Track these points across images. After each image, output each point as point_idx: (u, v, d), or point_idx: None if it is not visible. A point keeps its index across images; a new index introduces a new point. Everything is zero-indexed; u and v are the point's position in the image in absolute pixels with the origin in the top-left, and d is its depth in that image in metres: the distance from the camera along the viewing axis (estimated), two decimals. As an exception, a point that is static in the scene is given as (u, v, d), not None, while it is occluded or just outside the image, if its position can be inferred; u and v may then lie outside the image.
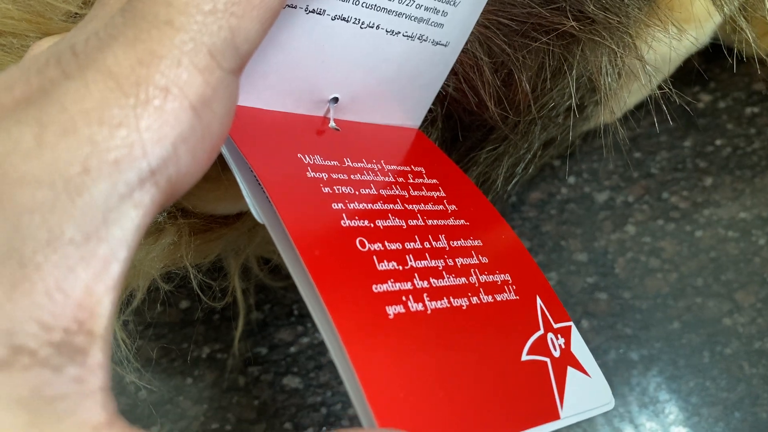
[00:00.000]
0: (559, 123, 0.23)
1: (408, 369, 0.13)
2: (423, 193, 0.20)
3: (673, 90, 0.26)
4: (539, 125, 0.23)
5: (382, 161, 0.21)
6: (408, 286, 0.15)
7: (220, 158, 0.19)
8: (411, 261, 0.16)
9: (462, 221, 0.19)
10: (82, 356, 0.11)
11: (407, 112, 0.23)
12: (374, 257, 0.16)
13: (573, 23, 0.20)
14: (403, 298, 0.15)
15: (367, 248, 0.16)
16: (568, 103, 0.23)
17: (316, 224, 0.16)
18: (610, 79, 0.21)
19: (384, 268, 0.16)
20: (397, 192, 0.19)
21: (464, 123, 0.24)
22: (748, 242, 0.34)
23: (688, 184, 0.36)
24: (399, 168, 0.21)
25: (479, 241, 0.18)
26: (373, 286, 0.15)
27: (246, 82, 0.19)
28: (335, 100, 0.21)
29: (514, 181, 0.26)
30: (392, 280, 0.15)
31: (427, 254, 0.17)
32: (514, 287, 0.17)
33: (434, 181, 0.21)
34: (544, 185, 0.36)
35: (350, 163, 0.20)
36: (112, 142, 0.12)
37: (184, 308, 0.34)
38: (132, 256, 0.12)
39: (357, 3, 0.20)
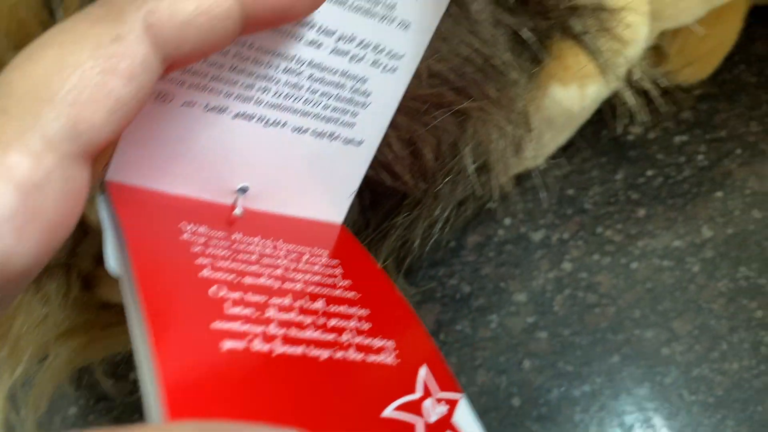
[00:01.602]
0: (471, 182, 0.24)
1: (226, 395, 0.14)
2: (316, 267, 0.21)
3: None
4: (448, 188, 0.24)
5: (280, 241, 0.21)
6: (258, 330, 0.16)
7: None
8: (272, 312, 0.17)
9: (353, 293, 0.20)
10: None
11: (325, 206, 0.24)
12: (226, 303, 0.17)
13: (465, 101, 0.21)
14: (248, 338, 0.16)
15: (221, 295, 0.17)
16: (476, 164, 0.24)
17: (169, 271, 0.17)
18: (502, 146, 0.22)
19: (234, 312, 0.16)
20: (282, 263, 0.20)
21: (379, 190, 0.25)
22: (682, 270, 0.35)
23: (621, 216, 0.37)
24: (295, 247, 0.21)
25: (367, 310, 0.19)
26: (213, 323, 0.15)
27: (150, 165, 0.20)
28: (244, 189, 0.22)
29: (432, 240, 0.27)
30: (241, 322, 0.16)
31: (295, 310, 0.18)
32: (396, 352, 0.18)
33: (336, 261, 0.21)
34: (481, 228, 0.36)
35: (240, 239, 0.20)
36: None
37: (133, 380, 0.34)
38: None
39: (260, 103, 0.21)
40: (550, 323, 0.34)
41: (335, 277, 0.20)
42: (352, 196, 0.24)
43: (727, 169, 0.38)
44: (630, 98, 0.25)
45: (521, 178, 0.37)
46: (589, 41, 0.20)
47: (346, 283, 0.20)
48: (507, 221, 0.37)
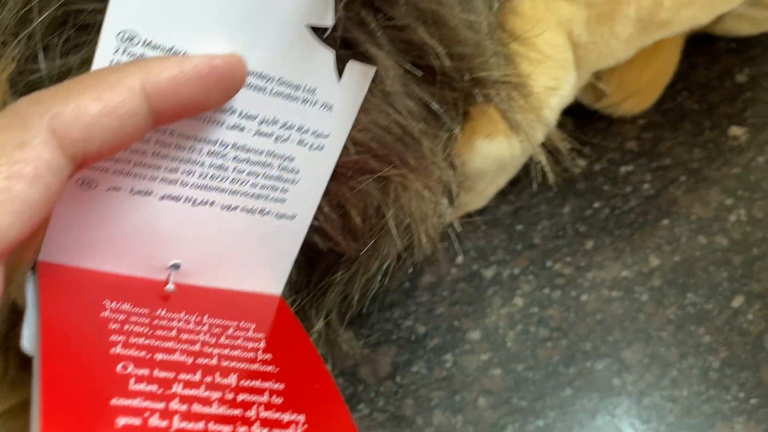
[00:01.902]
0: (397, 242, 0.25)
1: None
2: (238, 341, 0.21)
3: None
4: (379, 247, 0.25)
5: (206, 316, 0.22)
6: (159, 406, 0.17)
7: None
8: (177, 388, 0.18)
9: (272, 367, 0.20)
10: None
11: (261, 278, 0.24)
12: (131, 379, 0.17)
13: (386, 168, 0.22)
14: (146, 414, 0.16)
15: (127, 372, 0.17)
16: (400, 226, 0.25)
17: (79, 349, 0.18)
18: (423, 209, 0.23)
19: (137, 388, 0.17)
20: (202, 338, 0.21)
21: (315, 250, 0.26)
22: (631, 300, 0.36)
23: (570, 249, 0.37)
24: (221, 321, 0.22)
25: (282, 384, 0.20)
26: (112, 400, 0.16)
27: (79, 246, 0.21)
28: (177, 265, 0.23)
29: (372, 294, 0.27)
30: (141, 398, 0.17)
31: (203, 386, 0.18)
32: (305, 427, 0.18)
33: (261, 335, 0.22)
34: (434, 268, 0.37)
35: (163, 315, 0.21)
36: None
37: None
38: None
39: (186, 185, 0.21)
40: (503, 359, 0.35)
41: (257, 350, 0.21)
42: (289, 269, 0.24)
43: (673, 196, 0.39)
44: (542, 157, 0.25)
45: (471, 215, 0.38)
46: (500, 106, 0.21)
47: (267, 356, 0.21)
48: (459, 259, 0.37)
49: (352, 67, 0.21)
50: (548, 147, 0.26)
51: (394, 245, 0.24)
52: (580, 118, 0.40)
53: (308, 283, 0.27)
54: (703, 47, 0.44)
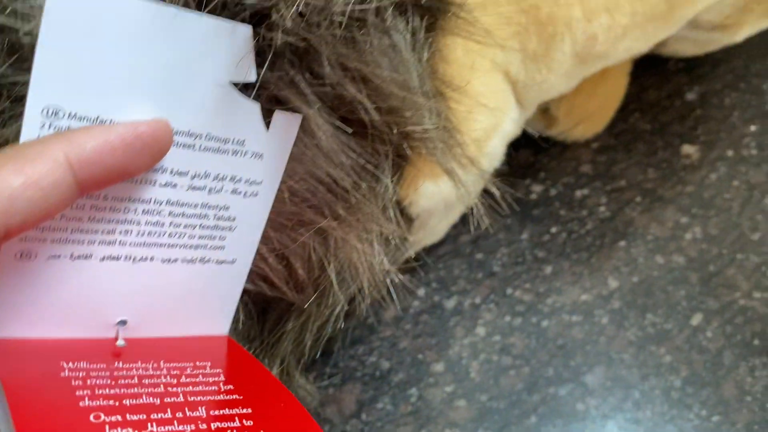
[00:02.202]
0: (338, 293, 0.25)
1: None
2: (198, 378, 0.22)
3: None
4: (330, 295, 0.25)
5: (162, 362, 0.22)
6: None
7: None
8: (152, 426, 0.18)
9: (236, 395, 0.21)
10: None
11: (207, 322, 0.25)
12: (106, 425, 0.18)
13: (323, 220, 0.23)
14: None
15: (101, 420, 0.18)
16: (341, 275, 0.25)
17: (49, 410, 0.18)
18: (362, 259, 0.23)
19: None
20: (163, 380, 0.21)
21: (266, 299, 0.26)
22: (591, 324, 0.36)
23: (529, 276, 0.38)
24: (177, 364, 0.22)
25: (249, 409, 0.20)
26: None
27: (25, 317, 0.21)
28: (124, 322, 0.23)
29: (326, 338, 0.28)
30: None
31: (175, 421, 0.19)
32: None
33: (218, 370, 0.22)
34: (395, 301, 0.37)
35: (122, 367, 0.21)
36: None
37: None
38: None
39: (124, 244, 0.22)
40: (468, 390, 0.35)
41: (218, 383, 0.21)
42: (234, 309, 0.25)
43: (629, 217, 0.40)
44: (478, 207, 0.26)
45: (432, 247, 0.38)
46: (432, 155, 0.22)
47: (229, 387, 0.21)
48: (421, 291, 0.38)
49: (279, 116, 0.22)
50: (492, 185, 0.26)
51: (340, 295, 0.25)
52: (535, 144, 0.41)
53: (262, 331, 0.27)
54: (653, 68, 0.45)
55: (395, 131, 0.21)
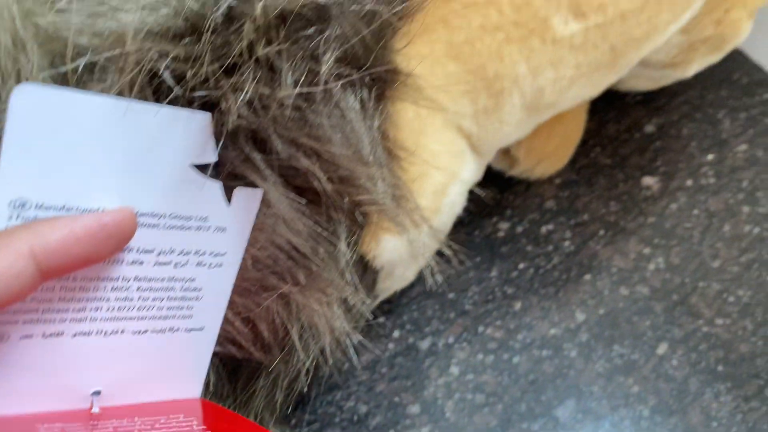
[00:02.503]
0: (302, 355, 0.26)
1: None
2: (171, 423, 0.23)
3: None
4: (296, 355, 0.26)
5: (136, 417, 0.23)
6: None
7: None
8: None
9: None
10: None
11: (179, 387, 0.26)
12: None
13: (284, 286, 0.24)
14: None
15: None
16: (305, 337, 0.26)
17: None
18: (323, 321, 0.24)
19: None
20: (138, 427, 0.22)
21: (235, 359, 0.27)
22: (561, 357, 0.38)
23: (500, 313, 0.39)
24: (151, 417, 0.23)
25: None
26: None
27: (2, 395, 0.22)
28: (98, 392, 0.24)
29: (297, 392, 0.29)
30: None
31: None
32: None
33: (192, 418, 0.23)
34: (372, 344, 0.39)
35: (97, 424, 0.22)
36: None
37: None
38: None
39: (95, 320, 0.23)
40: (443, 430, 0.36)
41: (191, 426, 0.22)
42: (205, 373, 0.26)
43: (593, 251, 0.41)
44: (431, 263, 0.27)
45: (405, 288, 0.40)
46: (385, 217, 0.23)
47: (203, 428, 0.22)
48: (396, 333, 0.39)
49: (240, 192, 0.23)
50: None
51: (303, 355, 0.26)
52: (500, 182, 0.42)
53: (234, 390, 0.28)
54: (611, 102, 0.46)
55: (346, 200, 0.22)
